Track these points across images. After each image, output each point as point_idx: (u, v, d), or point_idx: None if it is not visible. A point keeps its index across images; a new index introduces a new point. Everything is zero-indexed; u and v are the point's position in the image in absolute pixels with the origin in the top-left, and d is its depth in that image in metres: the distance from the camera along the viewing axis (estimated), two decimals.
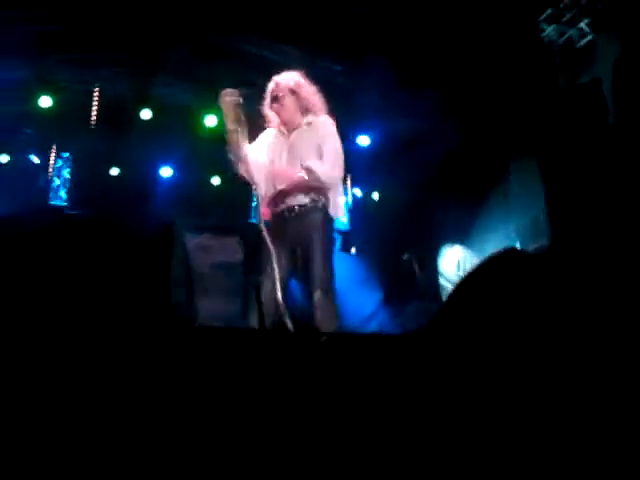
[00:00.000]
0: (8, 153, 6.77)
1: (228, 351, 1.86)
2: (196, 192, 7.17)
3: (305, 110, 3.58)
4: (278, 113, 3.62)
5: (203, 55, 6.08)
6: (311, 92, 3.61)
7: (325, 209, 3.44)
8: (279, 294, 3.08)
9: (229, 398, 1.65)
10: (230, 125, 3.39)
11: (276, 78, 3.63)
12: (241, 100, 3.35)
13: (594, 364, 1.50)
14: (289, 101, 3.57)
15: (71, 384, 1.46)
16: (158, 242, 3.55)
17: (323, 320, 3.25)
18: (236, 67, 5.98)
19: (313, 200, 3.42)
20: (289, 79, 3.60)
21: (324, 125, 3.54)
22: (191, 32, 5.86)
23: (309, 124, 3.58)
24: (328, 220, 3.45)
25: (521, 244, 5.80)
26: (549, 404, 1.48)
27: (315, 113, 3.59)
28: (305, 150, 3.50)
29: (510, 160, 6.32)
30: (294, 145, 3.56)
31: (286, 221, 3.46)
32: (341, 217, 3.66)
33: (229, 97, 3.37)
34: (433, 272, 6.89)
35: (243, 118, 3.36)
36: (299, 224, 3.42)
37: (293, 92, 3.58)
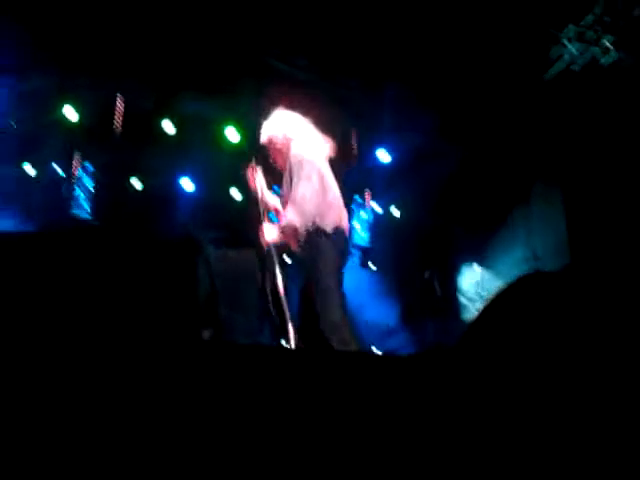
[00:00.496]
0: (32, 164, 6.86)
1: (248, 367, 1.86)
2: (216, 204, 7.20)
3: (287, 155, 3.67)
4: None
5: (226, 68, 6.14)
6: (282, 138, 3.70)
7: (327, 233, 3.49)
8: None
9: (241, 414, 1.65)
10: (255, 193, 3.73)
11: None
12: (259, 172, 3.69)
13: (627, 383, 1.48)
14: (272, 154, 3.79)
15: (98, 389, 1.47)
16: (183, 253, 3.57)
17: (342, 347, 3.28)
18: (258, 81, 6.03)
19: (313, 228, 3.49)
20: (263, 139, 3.77)
21: (293, 167, 3.57)
22: (214, 46, 5.93)
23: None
24: (332, 244, 3.49)
25: (542, 265, 5.77)
26: (581, 426, 1.46)
27: (290, 153, 3.65)
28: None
29: (533, 181, 6.30)
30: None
31: (294, 254, 3.63)
32: (344, 229, 3.66)
33: (249, 171, 3.70)
34: (453, 290, 6.85)
35: (265, 187, 3.71)
36: (305, 254, 3.52)
37: (269, 148, 3.76)
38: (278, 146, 3.70)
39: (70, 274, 2.27)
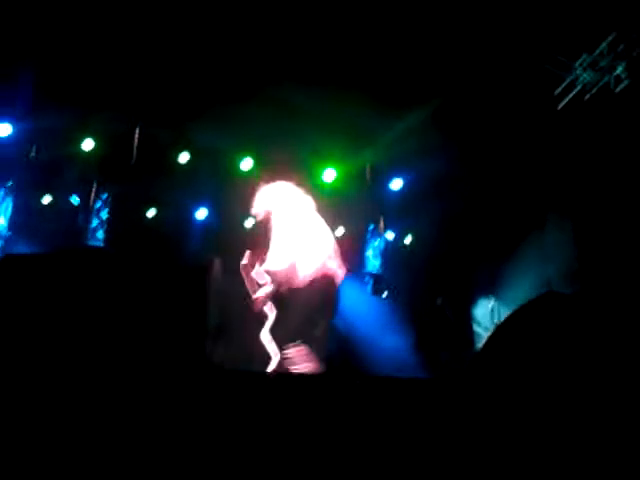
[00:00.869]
0: (49, 194, 6.95)
1: (257, 393, 1.84)
2: (229, 232, 7.22)
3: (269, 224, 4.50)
4: None
5: (240, 99, 6.21)
6: (264, 213, 4.51)
7: (302, 282, 4.24)
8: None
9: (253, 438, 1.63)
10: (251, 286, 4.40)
11: None
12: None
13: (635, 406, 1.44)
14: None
15: (102, 406, 1.46)
16: (195, 280, 3.88)
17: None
18: (272, 113, 6.09)
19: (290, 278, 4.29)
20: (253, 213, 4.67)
21: (273, 231, 4.42)
22: (229, 78, 6.01)
23: None
24: (310, 292, 4.19)
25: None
26: (591, 447, 1.41)
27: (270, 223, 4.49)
28: None
29: (546, 210, 6.27)
30: None
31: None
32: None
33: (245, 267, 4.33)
34: (467, 319, 6.77)
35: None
36: (288, 299, 4.29)
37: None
38: (262, 219, 4.50)
39: (75, 297, 2.26)
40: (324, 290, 4.20)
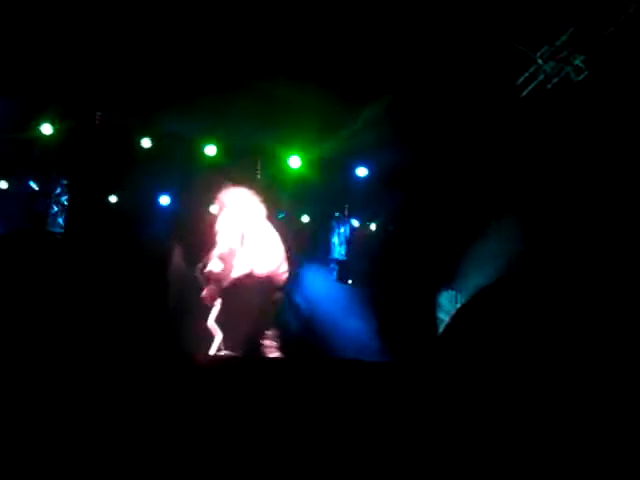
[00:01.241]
0: (7, 179, 6.80)
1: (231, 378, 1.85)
2: (192, 219, 7.18)
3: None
4: None
5: (209, 85, 6.15)
6: (218, 210, 5.16)
7: (246, 280, 4.73)
8: None
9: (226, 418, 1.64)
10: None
11: None
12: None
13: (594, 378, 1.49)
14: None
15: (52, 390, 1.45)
16: (155, 269, 4.02)
17: None
18: (239, 101, 6.06)
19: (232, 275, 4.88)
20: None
21: (219, 230, 4.99)
22: (198, 63, 5.95)
23: None
24: (254, 288, 4.70)
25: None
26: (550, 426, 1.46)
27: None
28: None
29: (505, 203, 6.38)
30: None
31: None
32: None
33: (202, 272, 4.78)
34: (431, 305, 6.86)
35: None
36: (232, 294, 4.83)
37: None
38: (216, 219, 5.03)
39: (33, 281, 2.25)
40: (266, 289, 4.73)
